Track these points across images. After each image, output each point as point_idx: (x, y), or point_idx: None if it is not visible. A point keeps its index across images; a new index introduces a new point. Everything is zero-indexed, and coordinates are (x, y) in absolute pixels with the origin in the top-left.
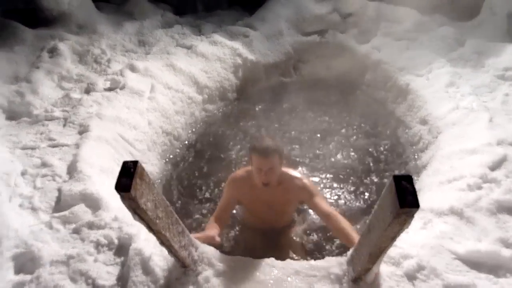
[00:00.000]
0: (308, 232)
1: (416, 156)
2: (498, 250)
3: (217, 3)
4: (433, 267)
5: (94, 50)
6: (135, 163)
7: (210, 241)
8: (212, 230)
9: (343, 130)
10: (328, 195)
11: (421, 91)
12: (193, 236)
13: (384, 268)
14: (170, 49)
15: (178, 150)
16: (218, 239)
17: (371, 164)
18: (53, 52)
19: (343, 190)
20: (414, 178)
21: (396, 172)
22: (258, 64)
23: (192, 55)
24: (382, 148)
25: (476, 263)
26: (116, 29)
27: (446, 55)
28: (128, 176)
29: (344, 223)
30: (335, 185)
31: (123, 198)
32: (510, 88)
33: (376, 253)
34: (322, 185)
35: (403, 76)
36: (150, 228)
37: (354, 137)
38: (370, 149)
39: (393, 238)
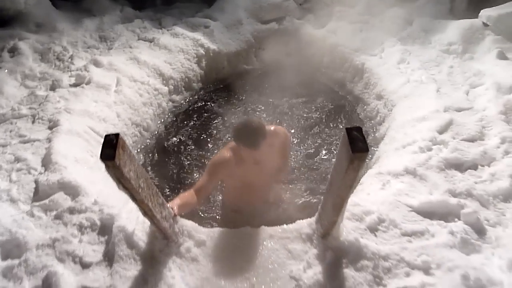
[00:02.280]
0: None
1: (374, 129)
2: (447, 199)
3: None
4: (392, 219)
5: (55, 48)
6: (116, 135)
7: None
8: (174, 201)
9: (306, 111)
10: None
11: (376, 69)
12: None
13: (349, 224)
14: (132, 43)
15: (148, 141)
16: (175, 210)
17: (333, 142)
18: (14, 51)
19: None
20: (374, 148)
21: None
22: (220, 54)
23: (155, 48)
24: (342, 126)
25: (428, 212)
26: (76, 26)
27: (396, 34)
28: (111, 147)
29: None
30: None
31: (108, 167)
32: (454, 61)
33: (339, 203)
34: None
35: (358, 57)
36: (134, 198)
37: (317, 116)
38: (331, 126)
39: (351, 186)
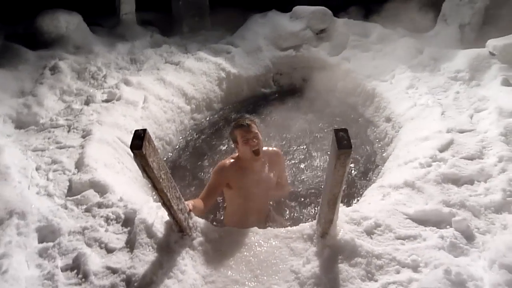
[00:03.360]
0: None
1: (382, 150)
2: (440, 208)
3: (201, 24)
4: (388, 224)
5: (91, 68)
6: (144, 130)
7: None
8: (190, 201)
9: (319, 132)
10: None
11: (385, 94)
12: None
13: (347, 226)
14: (159, 65)
15: (170, 154)
16: (190, 206)
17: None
18: (54, 70)
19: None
20: (381, 167)
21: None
22: (240, 77)
23: (180, 70)
24: (354, 145)
25: (422, 220)
26: (109, 49)
27: (407, 62)
28: (140, 139)
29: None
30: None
31: (135, 156)
32: (460, 87)
33: (332, 200)
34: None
35: (370, 82)
36: (155, 187)
37: (330, 137)
38: None
39: (341, 182)
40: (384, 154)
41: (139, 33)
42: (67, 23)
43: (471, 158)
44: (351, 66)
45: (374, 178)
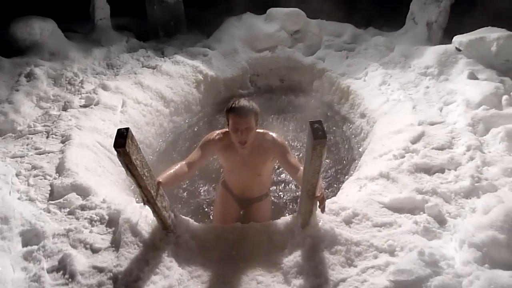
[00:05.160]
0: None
1: (358, 145)
2: (414, 196)
3: (176, 28)
4: (365, 213)
5: (67, 74)
6: (126, 129)
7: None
8: (163, 173)
9: (297, 130)
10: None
11: (359, 91)
12: None
13: (326, 217)
14: (136, 69)
15: (150, 157)
16: (159, 179)
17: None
18: (30, 76)
19: None
20: (357, 161)
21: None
22: (217, 79)
23: (157, 74)
24: (331, 142)
25: (397, 208)
26: (85, 54)
27: (379, 60)
28: (123, 137)
29: None
30: None
31: (119, 154)
32: (430, 82)
33: (311, 190)
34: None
35: (344, 80)
36: (139, 184)
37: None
38: None
39: (318, 172)
40: (360, 149)
41: (115, 38)
42: (41, 29)
43: (441, 148)
44: (325, 65)
45: (351, 172)
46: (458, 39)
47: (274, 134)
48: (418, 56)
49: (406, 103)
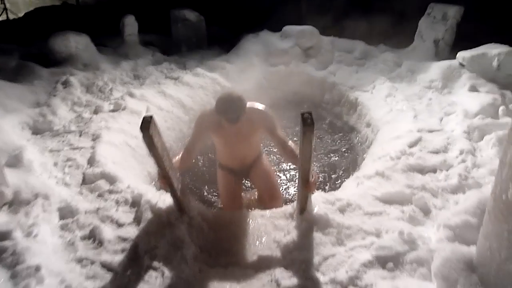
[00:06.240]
0: None
1: (363, 152)
2: (404, 190)
3: (198, 44)
4: (358, 204)
5: (98, 82)
6: (151, 116)
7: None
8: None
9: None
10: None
11: (366, 102)
12: None
13: (322, 205)
14: (160, 80)
15: None
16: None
17: (335, 164)
18: (66, 84)
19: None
20: (359, 166)
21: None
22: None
23: (179, 84)
24: (343, 150)
25: (388, 200)
26: (115, 66)
27: (387, 74)
28: (148, 122)
29: (297, 150)
30: None
31: (144, 136)
32: (433, 94)
33: (305, 175)
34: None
35: (353, 93)
36: (159, 165)
37: (317, 144)
38: (331, 155)
39: (310, 157)
40: (364, 155)
41: (142, 52)
42: (76, 43)
43: (436, 152)
44: (336, 79)
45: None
46: (461, 55)
47: (265, 109)
48: (424, 70)
49: (408, 113)
